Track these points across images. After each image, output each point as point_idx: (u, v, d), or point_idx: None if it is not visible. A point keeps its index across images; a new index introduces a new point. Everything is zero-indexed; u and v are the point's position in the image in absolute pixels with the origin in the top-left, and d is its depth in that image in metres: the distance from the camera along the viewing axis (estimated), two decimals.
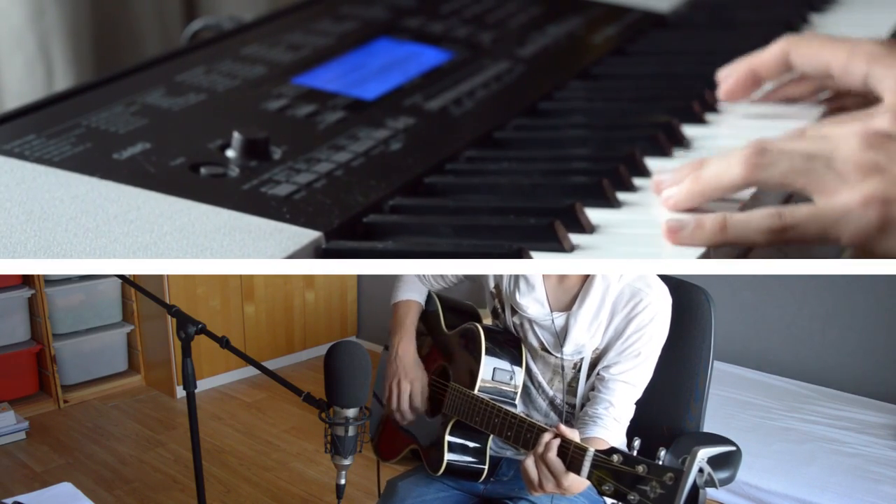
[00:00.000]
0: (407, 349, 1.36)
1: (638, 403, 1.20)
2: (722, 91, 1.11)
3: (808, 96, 1.12)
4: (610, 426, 1.15)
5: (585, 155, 1.04)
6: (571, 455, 0.94)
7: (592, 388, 1.20)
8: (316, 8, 1.42)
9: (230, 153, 1.02)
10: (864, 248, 0.80)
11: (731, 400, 2.38)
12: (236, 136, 1.02)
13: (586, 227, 0.91)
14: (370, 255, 0.88)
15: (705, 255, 0.87)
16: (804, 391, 2.47)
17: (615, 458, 0.89)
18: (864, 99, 1.00)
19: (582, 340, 1.18)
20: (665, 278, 1.22)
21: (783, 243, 0.83)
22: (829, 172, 0.82)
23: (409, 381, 1.33)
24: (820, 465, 1.97)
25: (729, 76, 1.10)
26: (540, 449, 0.98)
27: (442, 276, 1.42)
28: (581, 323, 1.18)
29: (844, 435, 2.15)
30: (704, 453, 0.82)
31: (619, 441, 1.17)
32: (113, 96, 1.14)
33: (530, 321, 1.23)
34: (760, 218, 0.83)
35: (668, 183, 0.95)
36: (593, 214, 0.93)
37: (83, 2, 1.89)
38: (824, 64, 1.02)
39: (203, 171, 0.98)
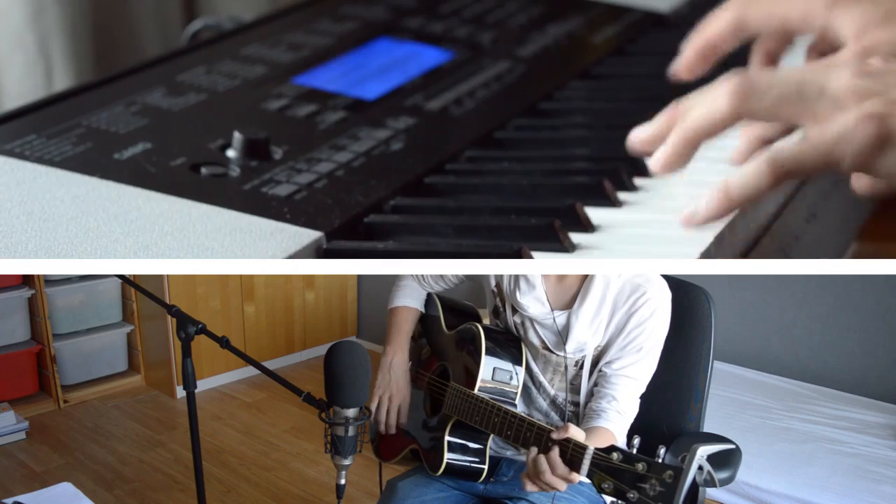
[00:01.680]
0: (400, 361, 1.38)
1: (637, 409, 1.20)
2: (680, 67, 1.01)
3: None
4: (613, 419, 1.15)
5: (586, 155, 1.04)
6: (571, 453, 0.94)
7: (595, 384, 1.20)
8: (316, 8, 1.42)
9: (231, 153, 1.02)
10: (867, 171, 0.77)
11: (731, 400, 2.38)
12: (237, 136, 1.02)
13: (587, 227, 0.91)
14: (371, 255, 0.88)
15: (705, 255, 0.87)
16: (804, 391, 2.47)
17: (615, 456, 0.89)
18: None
19: (584, 338, 1.19)
20: (665, 278, 1.22)
21: (787, 180, 0.80)
22: (822, 98, 0.78)
23: (390, 397, 1.36)
24: (820, 465, 1.97)
25: (685, 52, 1.01)
26: (542, 448, 0.98)
27: (442, 277, 1.42)
28: (583, 321, 1.18)
29: (844, 435, 2.15)
30: (704, 451, 0.82)
31: (624, 434, 1.18)
32: (113, 96, 1.14)
33: (531, 320, 1.24)
34: (757, 165, 0.79)
35: (647, 136, 0.90)
36: (594, 214, 0.93)
37: (83, 2, 1.89)
38: (781, 18, 0.95)
39: (204, 171, 0.99)
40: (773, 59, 1.03)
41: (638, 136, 0.91)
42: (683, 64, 1.00)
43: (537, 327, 1.23)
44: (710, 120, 0.83)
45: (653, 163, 0.88)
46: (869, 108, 0.76)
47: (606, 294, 1.17)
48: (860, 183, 0.84)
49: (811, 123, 0.79)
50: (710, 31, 0.98)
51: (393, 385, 1.36)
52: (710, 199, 0.82)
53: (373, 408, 1.37)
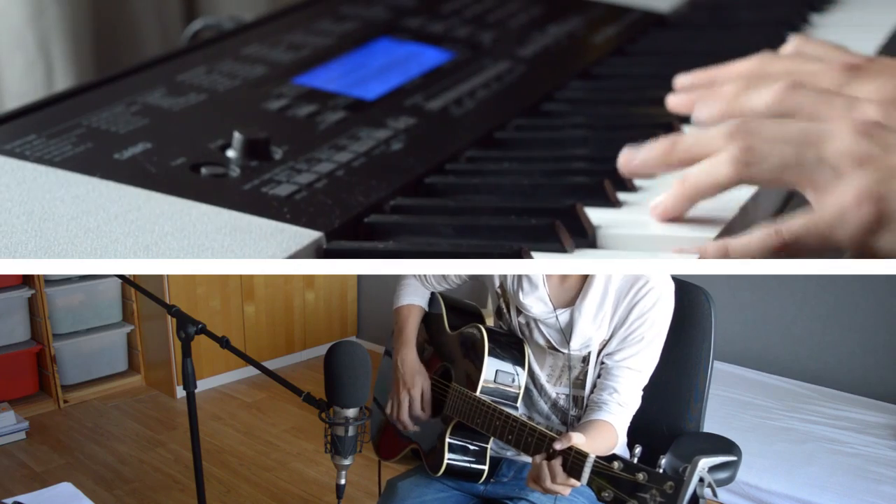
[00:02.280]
0: (406, 357, 1.37)
1: (639, 402, 1.20)
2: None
3: None
4: (615, 411, 1.15)
5: (586, 155, 1.04)
6: (572, 461, 0.94)
7: (598, 377, 1.20)
8: (316, 8, 1.42)
9: (231, 153, 1.02)
10: (864, 250, 0.79)
11: (731, 400, 2.38)
12: (237, 136, 1.02)
13: (587, 227, 0.91)
14: (371, 256, 0.88)
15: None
16: (804, 391, 2.47)
17: (616, 464, 0.89)
18: None
19: (588, 333, 1.19)
20: None
21: (787, 257, 0.82)
22: (821, 166, 0.80)
23: (408, 390, 1.33)
24: (820, 465, 1.97)
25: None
26: (537, 473, 0.98)
27: (444, 277, 1.42)
28: (586, 316, 1.18)
29: (844, 435, 2.15)
30: (705, 463, 0.82)
31: (626, 427, 1.17)
32: (113, 96, 1.14)
33: (535, 320, 1.23)
34: (760, 240, 0.81)
35: (638, 163, 0.92)
36: (594, 214, 0.93)
37: (83, 2, 1.89)
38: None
39: (204, 171, 0.98)
40: None
41: (628, 160, 0.93)
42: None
43: (542, 327, 1.23)
44: (712, 183, 0.86)
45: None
46: (864, 184, 0.77)
47: (608, 288, 1.17)
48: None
49: (810, 191, 0.81)
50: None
51: (402, 380, 1.34)
52: (708, 251, 0.83)
53: (394, 411, 1.35)
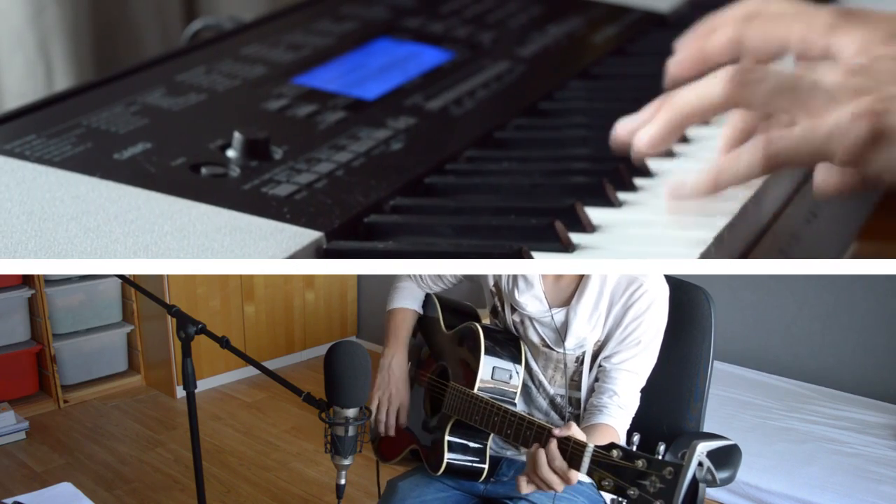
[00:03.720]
0: (399, 362, 1.38)
1: (638, 403, 1.20)
2: (672, 67, 1.00)
3: None
4: (615, 413, 1.15)
5: (586, 155, 1.04)
6: (571, 451, 0.94)
7: (596, 380, 1.20)
8: (316, 8, 1.42)
9: (231, 153, 1.02)
10: (857, 165, 0.78)
11: (731, 400, 2.38)
12: (237, 136, 1.02)
13: (587, 227, 0.91)
14: (371, 256, 0.88)
15: (705, 255, 0.87)
16: (804, 391, 2.47)
17: (614, 453, 0.89)
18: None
19: (583, 334, 1.19)
20: (665, 278, 1.22)
21: (777, 168, 0.81)
22: (816, 92, 0.80)
23: (389, 398, 1.36)
24: (820, 465, 1.97)
25: (678, 57, 1.00)
26: (533, 466, 0.98)
27: (440, 277, 1.42)
28: (581, 316, 1.18)
29: (844, 435, 2.16)
30: (703, 447, 0.82)
31: (626, 429, 1.18)
32: (113, 96, 1.14)
33: (530, 318, 1.24)
34: (751, 150, 0.80)
35: (634, 122, 0.90)
36: (594, 214, 0.93)
37: (83, 2, 1.89)
38: (780, 41, 0.96)
39: (203, 171, 0.99)
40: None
41: (624, 126, 0.91)
42: (676, 65, 1.00)
43: (536, 325, 1.23)
44: (703, 103, 0.84)
45: (637, 140, 0.88)
46: (863, 104, 0.77)
47: (603, 289, 1.17)
48: (824, 179, 0.84)
49: (804, 116, 0.80)
50: (708, 44, 0.98)
51: (392, 386, 1.36)
52: (699, 177, 0.82)
53: (373, 408, 1.37)
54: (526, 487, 0.99)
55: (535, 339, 1.24)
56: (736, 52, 0.97)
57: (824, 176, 0.85)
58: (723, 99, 0.83)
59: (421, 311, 1.44)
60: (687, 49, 0.99)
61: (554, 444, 0.96)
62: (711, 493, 1.92)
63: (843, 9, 0.94)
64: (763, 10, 0.98)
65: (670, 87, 0.97)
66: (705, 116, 0.85)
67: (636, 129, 0.90)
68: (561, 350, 1.21)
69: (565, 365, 1.22)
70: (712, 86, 0.83)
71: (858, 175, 0.80)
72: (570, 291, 1.21)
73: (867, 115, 0.77)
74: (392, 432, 1.37)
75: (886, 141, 0.76)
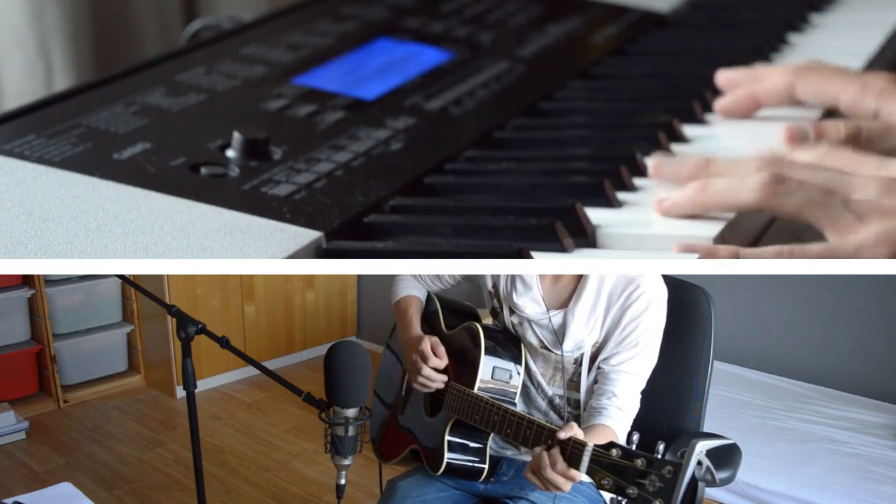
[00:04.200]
0: (411, 335, 1.34)
1: (638, 405, 1.20)
2: (719, 107, 1.10)
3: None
4: (614, 415, 1.15)
5: (586, 155, 1.04)
6: (571, 450, 0.94)
7: (595, 382, 1.20)
8: (316, 8, 1.42)
9: (230, 153, 1.02)
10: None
11: (731, 400, 2.38)
12: (236, 136, 1.02)
13: (586, 227, 0.91)
14: (370, 255, 0.88)
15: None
16: (804, 391, 2.47)
17: (614, 452, 0.89)
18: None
19: (581, 336, 1.19)
20: (665, 278, 1.22)
21: None
22: (845, 210, 0.82)
23: (417, 349, 1.27)
24: (820, 465, 1.97)
25: (729, 96, 1.09)
26: (538, 464, 0.97)
27: (439, 277, 1.42)
28: (579, 319, 1.18)
29: (844, 435, 2.15)
30: (702, 446, 0.82)
31: (626, 431, 1.18)
32: (113, 96, 1.14)
33: (529, 320, 1.24)
34: (773, 255, 0.82)
35: (670, 171, 0.93)
36: (593, 214, 0.93)
37: (83, 2, 1.89)
38: (831, 98, 1.02)
39: (203, 171, 0.99)
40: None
41: (659, 168, 0.95)
42: (727, 106, 1.09)
43: (535, 327, 1.23)
44: (730, 200, 0.87)
45: (658, 202, 0.92)
46: (887, 231, 0.79)
47: (601, 291, 1.17)
48: None
49: (831, 231, 0.83)
50: (761, 89, 1.05)
51: (414, 343, 1.29)
52: (720, 255, 0.84)
53: (413, 376, 1.29)
54: (533, 478, 1.00)
55: (534, 341, 1.24)
56: (785, 98, 1.05)
57: None
58: (753, 203, 0.86)
59: (424, 302, 1.44)
60: (738, 92, 1.07)
61: (556, 449, 0.96)
62: (711, 493, 1.92)
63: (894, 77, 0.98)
64: (818, 67, 1.04)
65: (723, 110, 1.07)
66: (731, 211, 0.89)
67: (669, 177, 0.94)
68: (559, 352, 1.21)
69: (563, 367, 1.22)
70: (745, 189, 0.86)
71: None
72: (567, 294, 1.21)
73: (889, 243, 0.79)
74: (439, 381, 1.27)
75: None
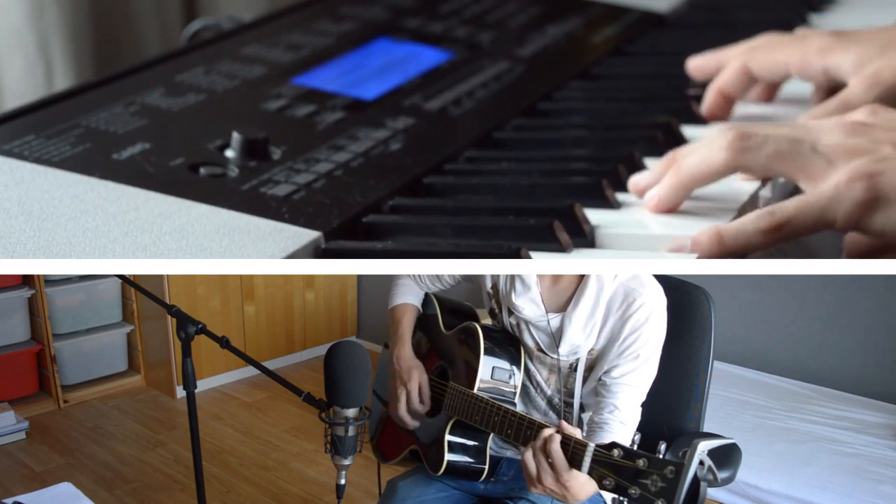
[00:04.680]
0: (402, 354, 1.36)
1: (639, 417, 1.20)
2: (704, 111, 1.12)
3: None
4: (617, 430, 1.14)
5: (585, 155, 1.04)
6: (572, 450, 0.94)
7: (596, 395, 1.19)
8: (316, 8, 1.42)
9: (229, 153, 1.02)
10: (858, 228, 0.80)
11: (731, 400, 2.38)
12: (236, 136, 1.02)
13: (585, 227, 0.91)
14: (370, 255, 0.88)
15: None
16: (804, 391, 2.47)
17: (615, 452, 0.89)
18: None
19: (577, 341, 1.18)
20: (665, 278, 1.22)
21: (782, 241, 0.83)
22: (814, 155, 0.82)
23: (405, 385, 1.32)
24: (820, 465, 1.97)
25: (703, 103, 1.12)
26: (540, 442, 0.97)
27: (438, 278, 1.42)
28: (576, 324, 1.17)
29: (844, 435, 2.15)
30: (705, 445, 0.82)
31: (627, 444, 1.17)
32: (113, 96, 1.14)
33: (526, 322, 1.23)
34: (753, 221, 0.82)
35: (646, 181, 0.94)
36: (592, 214, 0.93)
37: (83, 2, 1.89)
38: (782, 68, 1.04)
39: (202, 171, 0.99)
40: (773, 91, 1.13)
41: (636, 184, 0.96)
42: (706, 108, 1.11)
43: (532, 329, 1.23)
44: (705, 169, 0.88)
45: (646, 202, 0.93)
46: (858, 167, 0.79)
47: (600, 298, 1.17)
48: (854, 244, 0.86)
49: (804, 180, 0.83)
50: (721, 82, 1.09)
51: (404, 374, 1.33)
52: (701, 244, 0.84)
53: (392, 408, 1.34)
54: (534, 489, 1.00)
55: (531, 343, 1.24)
56: (747, 82, 1.08)
57: (851, 243, 0.87)
58: (724, 165, 0.86)
59: (421, 308, 1.44)
60: (709, 91, 1.10)
61: (555, 444, 0.96)
62: (711, 493, 1.92)
63: (834, 32, 1.01)
64: (765, 41, 1.07)
65: (707, 115, 1.11)
66: (708, 181, 0.89)
67: (647, 188, 0.94)
68: (555, 355, 1.21)
69: (559, 370, 1.22)
70: (713, 152, 0.86)
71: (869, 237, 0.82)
72: (566, 297, 1.21)
73: (862, 178, 0.79)
74: (413, 422, 1.33)
75: (883, 203, 0.78)
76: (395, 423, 1.39)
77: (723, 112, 1.11)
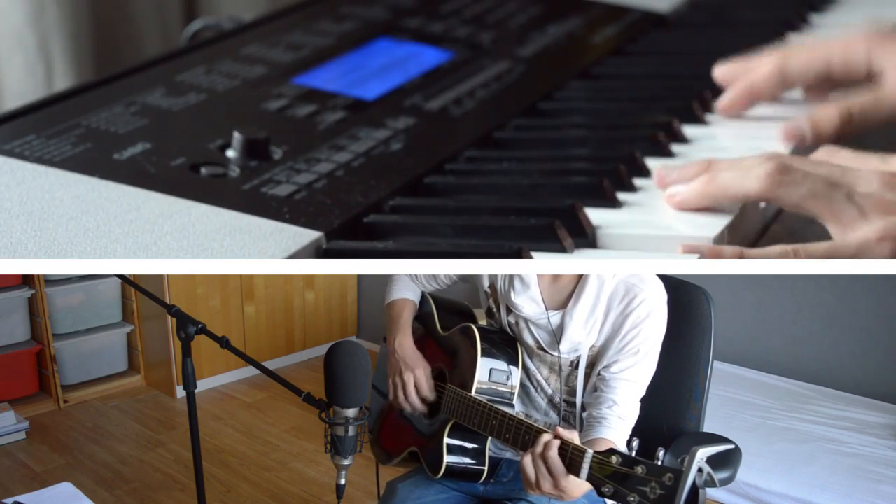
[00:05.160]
0: (403, 343, 1.35)
1: (638, 412, 1.20)
2: (720, 107, 1.11)
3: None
4: (615, 425, 1.14)
5: (585, 155, 1.04)
6: (570, 456, 0.94)
7: (595, 390, 1.19)
8: (316, 8, 1.42)
9: (230, 153, 1.02)
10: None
11: (731, 400, 2.38)
12: (236, 136, 1.02)
13: (586, 227, 0.91)
14: (370, 256, 0.88)
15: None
16: (804, 391, 2.47)
17: (614, 459, 0.89)
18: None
19: (578, 338, 1.18)
20: (665, 278, 1.22)
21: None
22: (848, 204, 0.82)
23: (411, 371, 1.31)
24: (820, 465, 1.97)
25: (726, 94, 1.10)
26: (539, 448, 0.98)
27: (434, 277, 1.42)
28: (577, 321, 1.17)
29: (844, 435, 2.15)
30: (703, 453, 0.82)
31: (625, 439, 1.17)
32: (113, 96, 1.14)
33: (526, 320, 1.23)
34: (778, 256, 0.83)
35: (674, 178, 0.94)
36: (593, 214, 0.93)
37: (83, 2, 1.89)
38: (823, 64, 1.02)
39: (203, 171, 0.99)
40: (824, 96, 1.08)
41: (664, 177, 0.96)
42: (726, 104, 1.09)
43: (532, 327, 1.23)
44: (737, 190, 0.88)
45: (668, 196, 0.93)
46: (890, 227, 0.79)
47: (601, 294, 1.17)
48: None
49: (832, 224, 0.83)
50: (755, 79, 1.06)
51: (402, 363, 1.32)
52: (724, 256, 0.84)
53: (399, 394, 1.32)
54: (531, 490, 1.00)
55: (530, 341, 1.24)
56: (780, 84, 1.06)
57: None
58: (758, 193, 0.86)
59: (418, 305, 1.44)
60: (736, 87, 1.07)
61: (553, 451, 0.96)
62: (711, 493, 1.92)
63: (877, 28, 0.98)
64: (803, 43, 1.06)
65: (723, 109, 1.08)
66: (736, 201, 0.90)
67: (673, 183, 0.95)
68: (556, 353, 1.21)
69: (560, 368, 1.22)
70: (751, 178, 0.87)
71: None
72: (566, 294, 1.21)
73: (892, 239, 0.79)
74: (420, 408, 1.31)
75: None
76: (395, 419, 1.39)
77: (739, 110, 1.10)
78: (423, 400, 1.31)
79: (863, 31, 1.00)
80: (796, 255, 0.82)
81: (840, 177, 0.84)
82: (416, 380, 1.31)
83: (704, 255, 0.85)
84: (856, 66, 1.00)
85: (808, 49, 1.04)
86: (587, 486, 0.95)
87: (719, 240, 0.88)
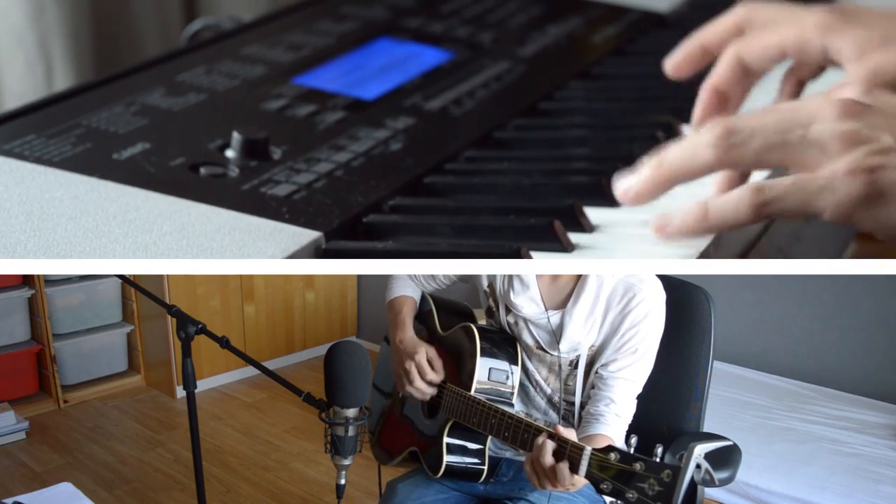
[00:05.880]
0: (405, 336, 1.35)
1: (638, 403, 1.20)
2: (669, 66, 1.00)
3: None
4: (612, 422, 1.15)
5: (585, 155, 1.04)
6: (569, 455, 0.94)
7: (593, 387, 1.20)
8: (316, 8, 1.42)
9: (230, 153, 1.02)
10: (848, 223, 0.75)
11: (731, 400, 2.38)
12: (236, 136, 1.02)
13: (586, 227, 0.91)
14: (370, 256, 0.88)
15: (705, 255, 0.87)
16: (804, 391, 2.47)
17: (612, 456, 0.89)
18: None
19: (577, 338, 1.18)
20: (665, 278, 1.22)
21: (766, 218, 0.78)
22: (807, 145, 0.76)
23: (411, 358, 1.29)
24: (820, 465, 1.97)
25: (676, 53, 0.99)
26: (535, 453, 0.98)
27: (433, 277, 1.41)
28: (576, 320, 1.18)
29: (844, 435, 2.15)
30: (701, 449, 0.82)
31: (622, 437, 1.18)
32: (113, 96, 1.14)
33: (525, 320, 1.23)
34: (740, 196, 0.77)
35: (633, 194, 0.86)
36: (593, 214, 0.93)
37: (83, 2, 1.89)
38: (778, 51, 0.92)
39: (203, 171, 0.99)
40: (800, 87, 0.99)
41: (621, 188, 0.87)
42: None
43: (531, 327, 1.23)
44: (688, 166, 0.81)
45: (620, 193, 0.85)
46: (858, 160, 0.73)
47: (600, 294, 1.17)
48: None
49: (798, 170, 0.77)
50: (715, 76, 0.96)
51: (406, 353, 1.31)
52: (686, 215, 0.80)
53: (406, 383, 1.30)
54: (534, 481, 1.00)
55: (530, 341, 1.24)
56: (741, 74, 0.95)
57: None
58: (711, 162, 0.80)
59: (418, 301, 1.44)
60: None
61: (547, 457, 0.96)
62: (711, 493, 1.92)
63: (835, 8, 0.91)
64: (753, 19, 0.95)
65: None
66: (692, 178, 0.82)
67: (635, 199, 0.86)
68: (555, 353, 1.21)
69: (559, 368, 1.22)
70: (699, 148, 0.80)
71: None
72: (566, 294, 1.21)
73: (861, 173, 0.72)
74: (430, 391, 1.29)
75: (880, 201, 0.72)
76: (395, 419, 1.39)
77: (693, 69, 0.98)
78: (429, 383, 1.29)
79: (815, 15, 0.90)
80: (759, 191, 0.76)
81: (792, 119, 0.77)
82: (417, 365, 1.29)
83: (674, 221, 0.81)
84: (811, 56, 0.91)
85: (761, 33, 0.92)
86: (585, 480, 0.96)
87: (718, 241, 0.88)
